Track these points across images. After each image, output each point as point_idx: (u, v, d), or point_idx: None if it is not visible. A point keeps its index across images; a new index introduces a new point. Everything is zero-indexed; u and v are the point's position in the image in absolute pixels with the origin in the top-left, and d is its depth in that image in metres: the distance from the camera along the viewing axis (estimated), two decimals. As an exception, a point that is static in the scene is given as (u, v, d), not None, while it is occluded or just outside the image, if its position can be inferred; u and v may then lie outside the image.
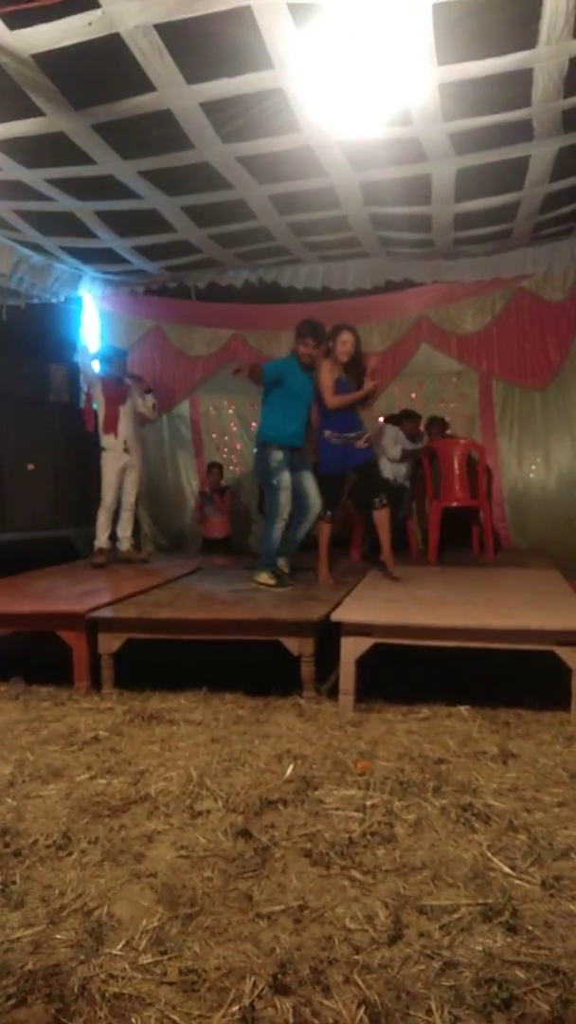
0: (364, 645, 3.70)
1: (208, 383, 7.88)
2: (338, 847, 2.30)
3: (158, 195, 5.05)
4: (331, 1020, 1.58)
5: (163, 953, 1.82)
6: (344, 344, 5.09)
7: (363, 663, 3.69)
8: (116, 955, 1.82)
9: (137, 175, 4.72)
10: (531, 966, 1.72)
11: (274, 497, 5.06)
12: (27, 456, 6.88)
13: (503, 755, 3.02)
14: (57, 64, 3.44)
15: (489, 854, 2.23)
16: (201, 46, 3.44)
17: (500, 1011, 1.58)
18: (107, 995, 1.67)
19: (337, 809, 2.56)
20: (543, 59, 3.61)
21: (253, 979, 1.70)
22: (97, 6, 3.08)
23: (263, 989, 1.67)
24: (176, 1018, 1.60)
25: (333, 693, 3.78)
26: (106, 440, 6.16)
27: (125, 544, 6.31)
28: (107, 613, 4.14)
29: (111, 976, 1.74)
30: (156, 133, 4.20)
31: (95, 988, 1.70)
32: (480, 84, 3.79)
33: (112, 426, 6.13)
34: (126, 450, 6.19)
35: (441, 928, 1.88)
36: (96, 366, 6.38)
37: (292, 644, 3.86)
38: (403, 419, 6.95)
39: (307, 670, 3.86)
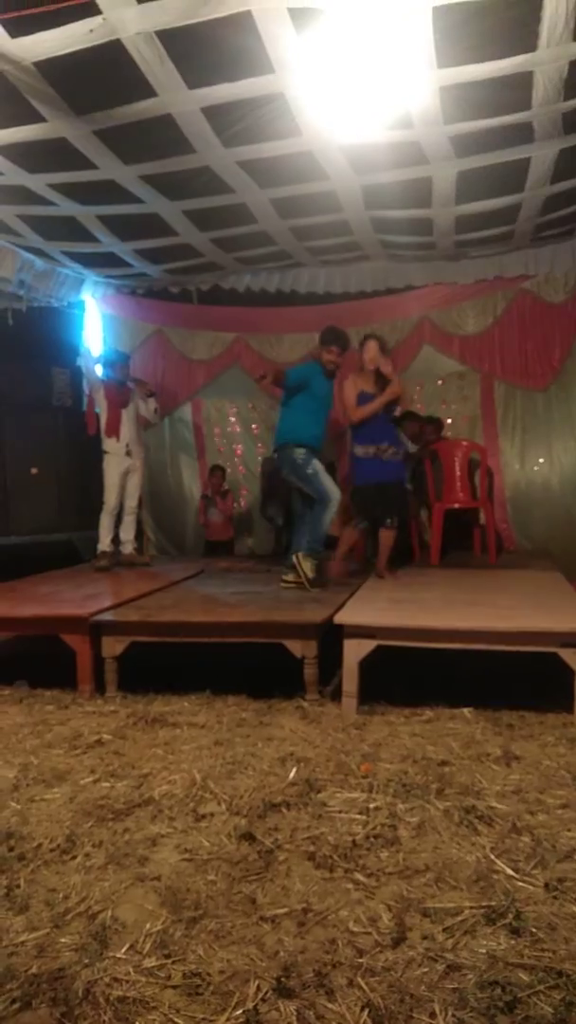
0: (367, 647, 3.71)
1: (210, 386, 7.90)
2: (341, 850, 2.30)
3: (160, 199, 5.06)
4: (335, 1023, 1.58)
5: (167, 956, 1.82)
6: (369, 352, 5.12)
7: (366, 665, 3.70)
8: (120, 959, 1.82)
9: (139, 179, 4.73)
10: (534, 968, 1.72)
11: (315, 485, 5.08)
12: (30, 460, 6.89)
13: (506, 757, 3.02)
14: (59, 71, 3.45)
15: (492, 856, 2.24)
16: (202, 51, 3.45)
17: (504, 1014, 1.58)
18: (111, 999, 1.68)
19: (340, 812, 2.56)
20: (543, 62, 3.61)
21: (257, 982, 1.71)
22: (99, 13, 3.09)
23: (267, 992, 1.68)
24: (180, 1021, 1.61)
25: (336, 695, 3.78)
26: (108, 444, 6.18)
27: (128, 547, 6.33)
28: (110, 616, 4.15)
29: (115, 980, 1.75)
30: (157, 138, 4.21)
31: (99, 992, 1.70)
32: (480, 87, 3.79)
33: (114, 430, 6.15)
34: (128, 453, 6.21)
35: (444, 931, 1.88)
36: (98, 370, 6.40)
37: (295, 646, 3.86)
38: (404, 420, 6.96)
39: (310, 672, 3.86)
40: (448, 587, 4.85)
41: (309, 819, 2.52)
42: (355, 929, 1.90)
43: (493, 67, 3.65)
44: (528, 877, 2.12)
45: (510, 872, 2.15)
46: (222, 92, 3.78)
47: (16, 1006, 1.66)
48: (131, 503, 6.29)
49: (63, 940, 1.90)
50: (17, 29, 3.14)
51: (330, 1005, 1.63)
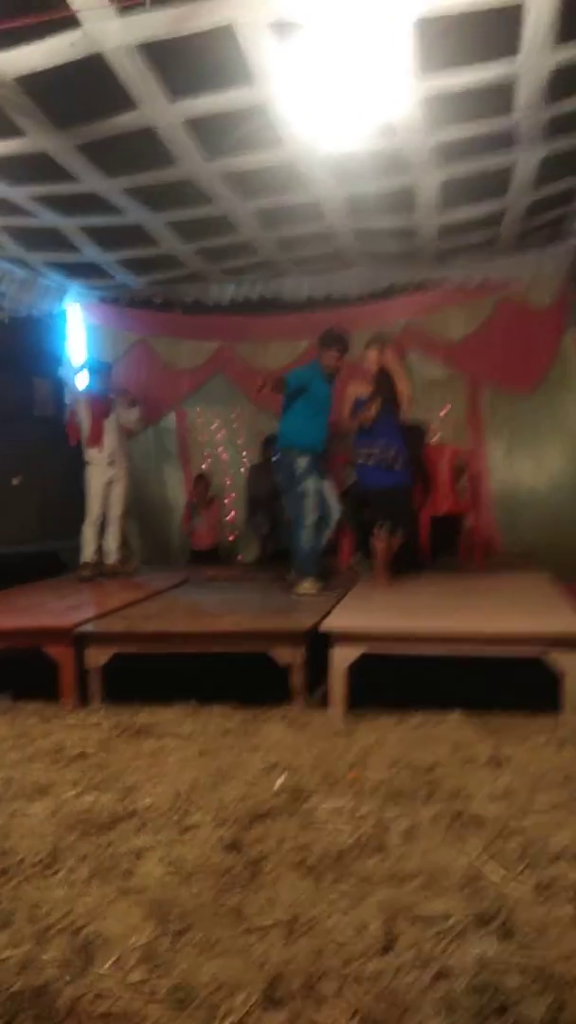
0: (354, 654, 3.69)
1: (195, 395, 7.88)
2: (329, 858, 2.27)
3: (142, 211, 5.05)
4: (323, 1033, 1.56)
5: (152, 970, 1.79)
6: (365, 362, 5.19)
7: (353, 671, 3.67)
8: (105, 973, 1.78)
9: (122, 191, 4.72)
10: (524, 972, 1.70)
11: (298, 504, 5.07)
12: (12, 470, 6.84)
13: (494, 760, 3.00)
14: (39, 85, 3.44)
15: (481, 861, 2.21)
16: (184, 64, 3.45)
17: (494, 1018, 1.56)
18: (96, 1014, 1.64)
19: (328, 820, 2.54)
20: (525, 69, 3.64)
21: (244, 993, 1.68)
22: (78, 25, 3.08)
23: (254, 1003, 1.64)
24: (165, 1035, 1.57)
25: (324, 702, 3.76)
26: (91, 454, 6.14)
27: (112, 557, 6.28)
28: (93, 627, 4.11)
29: (100, 995, 1.71)
30: (140, 150, 4.20)
31: (83, 1007, 1.67)
32: (463, 95, 3.81)
33: (97, 440, 6.11)
34: (111, 463, 6.17)
35: (434, 936, 1.86)
36: (81, 380, 6.36)
37: (281, 654, 3.83)
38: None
39: (297, 680, 3.83)
40: (435, 592, 4.85)
41: (296, 828, 2.49)
42: (343, 937, 1.88)
43: (475, 75, 3.67)
44: (518, 880, 2.10)
45: (500, 876, 2.13)
46: (204, 104, 3.78)
47: (-2, 1024, 1.62)
48: (115, 513, 6.25)
49: (46, 956, 1.86)
50: (-2, 45, 3.13)
51: (319, 1014, 1.61)
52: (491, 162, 4.58)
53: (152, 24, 3.11)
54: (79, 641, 4.02)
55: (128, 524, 6.97)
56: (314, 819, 2.55)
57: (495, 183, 4.89)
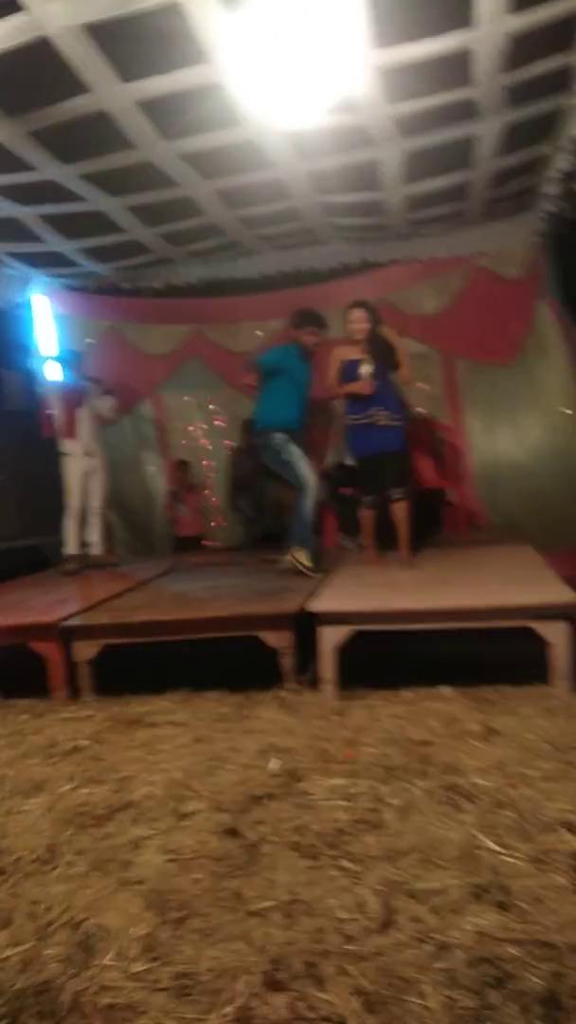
0: (342, 633, 3.70)
1: (170, 381, 7.82)
2: (326, 838, 2.28)
3: (103, 197, 4.98)
4: (326, 1012, 1.57)
5: (154, 959, 1.79)
6: (352, 323, 4.98)
7: (344, 650, 3.68)
8: (107, 966, 1.79)
9: (79, 178, 4.65)
10: (523, 942, 1.72)
11: (293, 472, 5.02)
12: (-12, 467, 6.78)
13: (487, 733, 3.03)
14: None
15: (477, 833, 2.23)
16: (133, 44, 3.39)
17: (494, 989, 1.58)
18: (100, 1007, 1.65)
19: (324, 800, 2.55)
20: (480, 37, 3.60)
21: (246, 978, 1.69)
22: (20, 8, 3.02)
23: (257, 987, 1.66)
24: (171, 1023, 1.58)
25: (315, 683, 3.77)
26: (66, 445, 6.08)
27: (96, 549, 6.24)
28: (80, 621, 4.09)
29: (103, 988, 1.71)
30: (95, 135, 4.14)
31: (87, 1001, 1.67)
32: (420, 66, 3.78)
33: (71, 431, 6.06)
34: (88, 454, 6.12)
35: (432, 911, 1.87)
36: (51, 370, 6.29)
37: (270, 637, 3.84)
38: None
39: (286, 662, 3.84)
40: (421, 568, 4.86)
41: (292, 809, 2.50)
42: (343, 916, 1.89)
43: (431, 45, 3.63)
44: (513, 851, 2.12)
45: (495, 848, 2.15)
46: (157, 84, 3.72)
47: (3, 1023, 1.62)
48: (95, 504, 6.20)
49: (48, 952, 1.86)
50: None
51: (321, 995, 1.62)
52: (453, 133, 4.55)
53: (97, 3, 3.05)
54: (66, 635, 4.01)
55: (110, 514, 6.93)
56: (310, 800, 2.56)
57: (459, 154, 4.86)
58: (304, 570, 4.85)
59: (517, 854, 2.10)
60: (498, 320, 6.87)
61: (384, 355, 4.97)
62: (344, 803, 2.51)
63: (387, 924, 1.84)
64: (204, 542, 7.71)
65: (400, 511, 4.99)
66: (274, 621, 3.85)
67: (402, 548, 5.03)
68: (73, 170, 4.53)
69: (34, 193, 4.80)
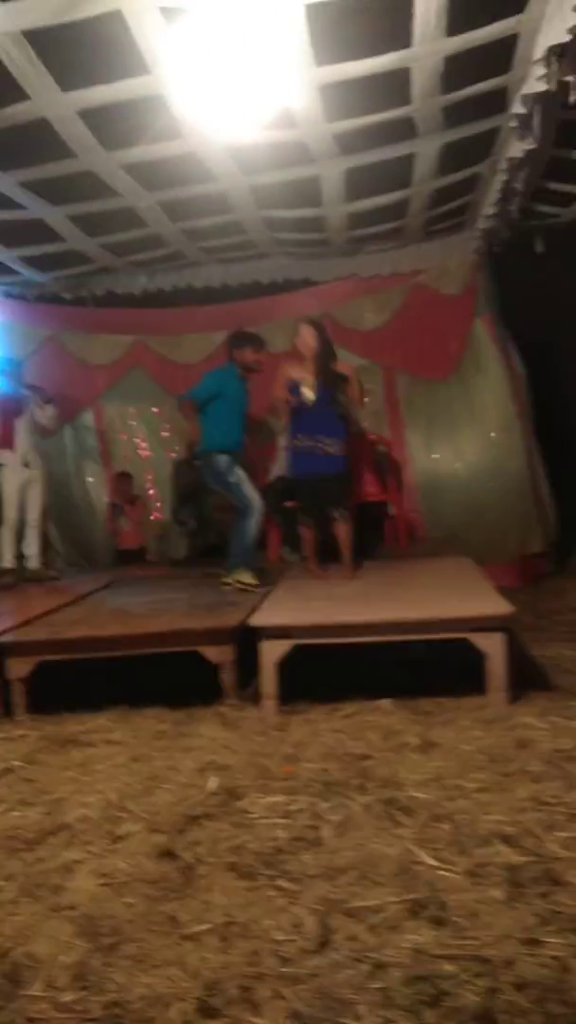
0: (283, 648, 3.67)
1: (112, 391, 7.71)
2: (264, 857, 2.26)
3: (42, 205, 4.91)
4: (261, 1038, 1.54)
5: (85, 988, 1.74)
6: (300, 339, 5.02)
7: (286, 665, 3.66)
8: (35, 996, 1.73)
9: (18, 186, 4.57)
10: (458, 958, 1.72)
11: (239, 493, 5.05)
12: None
13: (425, 745, 3.04)
14: None
15: (414, 847, 2.24)
16: (74, 53, 3.36)
17: (430, 1007, 1.57)
18: (27, 1041, 1.59)
19: (262, 818, 2.52)
20: (418, 57, 3.67)
21: (180, 1005, 1.65)
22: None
23: (190, 1014, 1.62)
24: (100, 1057, 1.53)
25: (257, 698, 3.74)
26: (4, 456, 5.95)
27: (33, 562, 6.10)
28: (14, 637, 3.98)
29: (30, 1020, 1.66)
30: (35, 143, 4.08)
31: (13, 1035, 1.61)
32: (360, 84, 3.83)
33: (8, 441, 5.93)
34: (26, 464, 5.99)
35: (369, 929, 1.86)
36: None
37: (210, 652, 3.79)
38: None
39: (227, 677, 3.80)
40: (362, 581, 4.88)
41: (230, 828, 2.47)
42: (279, 937, 1.86)
43: (371, 64, 3.69)
44: (450, 865, 2.13)
45: (432, 862, 2.15)
46: (99, 94, 3.69)
47: None
48: (33, 516, 6.06)
49: (-28, 984, 1.79)
50: None
51: (256, 1019, 1.59)
52: (393, 152, 4.62)
53: (37, 10, 3.01)
54: None
55: (48, 526, 6.79)
56: (248, 818, 2.53)
57: (398, 173, 4.94)
58: (249, 588, 4.84)
59: (454, 868, 2.11)
60: (437, 336, 7.00)
61: (333, 379, 5.06)
62: (282, 821, 2.49)
63: (324, 944, 1.82)
64: (146, 555, 7.62)
65: (341, 531, 5.09)
66: (215, 636, 3.81)
67: (344, 566, 5.10)
68: (10, 177, 4.46)
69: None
